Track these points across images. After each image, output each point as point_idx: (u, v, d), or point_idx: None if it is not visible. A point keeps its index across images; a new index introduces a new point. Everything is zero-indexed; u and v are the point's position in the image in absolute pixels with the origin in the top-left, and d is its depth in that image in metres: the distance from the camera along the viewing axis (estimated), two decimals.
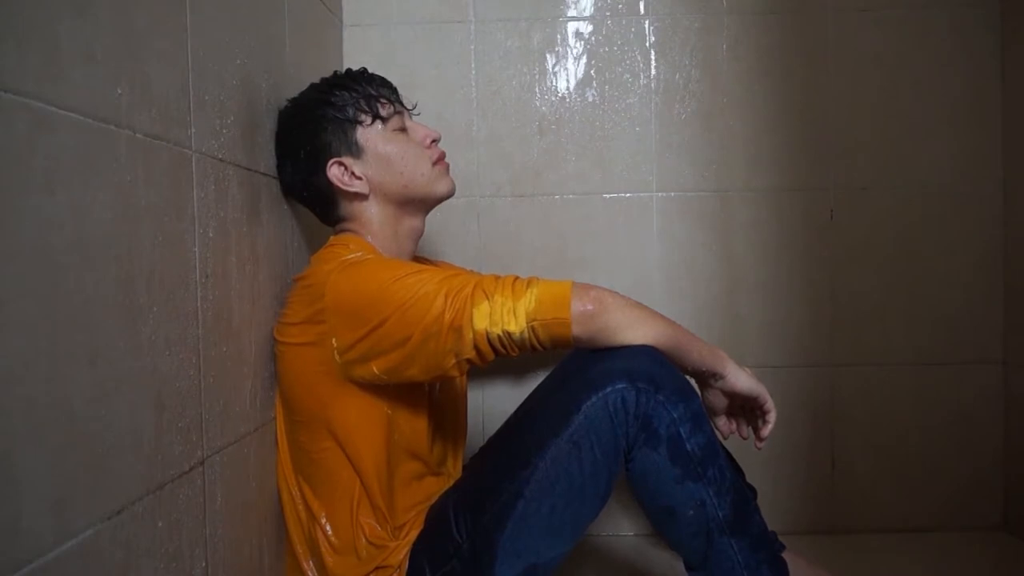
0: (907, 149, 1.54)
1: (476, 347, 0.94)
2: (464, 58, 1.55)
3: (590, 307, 0.95)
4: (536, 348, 0.96)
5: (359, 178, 1.10)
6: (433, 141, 1.15)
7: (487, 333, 0.93)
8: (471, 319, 0.93)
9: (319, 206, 1.14)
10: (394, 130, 1.13)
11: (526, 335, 0.94)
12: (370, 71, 1.17)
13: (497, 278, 0.97)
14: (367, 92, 1.12)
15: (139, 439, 0.74)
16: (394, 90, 1.17)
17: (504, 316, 0.93)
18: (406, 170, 1.11)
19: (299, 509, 1.08)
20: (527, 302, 0.94)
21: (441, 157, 1.16)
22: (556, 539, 0.97)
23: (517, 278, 0.97)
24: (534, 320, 0.93)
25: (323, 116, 1.10)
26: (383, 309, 0.95)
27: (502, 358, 0.98)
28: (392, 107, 1.14)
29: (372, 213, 1.12)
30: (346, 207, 1.13)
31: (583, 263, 1.54)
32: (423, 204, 1.16)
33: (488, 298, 0.94)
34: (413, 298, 0.94)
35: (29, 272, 0.59)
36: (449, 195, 1.16)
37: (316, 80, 1.16)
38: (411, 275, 0.97)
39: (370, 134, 1.11)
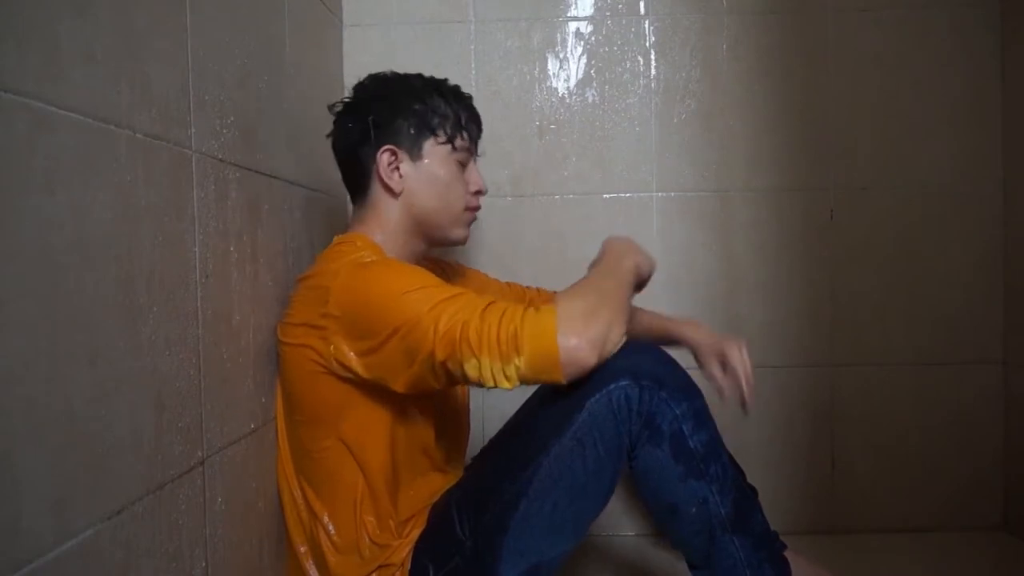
0: (907, 149, 1.54)
1: (467, 383, 0.95)
2: (464, 58, 1.55)
3: (580, 361, 0.90)
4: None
5: (401, 176, 1.11)
6: (478, 192, 1.16)
7: (480, 382, 0.92)
8: (462, 367, 0.91)
9: (353, 176, 1.15)
10: (456, 161, 1.14)
11: (519, 386, 0.94)
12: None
13: (483, 319, 0.91)
14: (459, 117, 1.13)
15: (139, 439, 0.74)
16: (480, 132, 1.19)
17: (495, 376, 0.91)
18: (442, 198, 1.12)
19: (300, 509, 1.08)
20: (515, 367, 0.90)
21: (475, 208, 1.17)
22: (559, 537, 0.97)
23: (501, 323, 0.90)
24: (526, 378, 0.92)
25: (411, 105, 1.11)
26: (382, 330, 0.94)
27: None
28: (468, 144, 1.15)
29: (392, 213, 1.12)
30: (375, 193, 1.12)
31: (583, 263, 1.53)
32: (433, 237, 1.15)
33: (476, 355, 0.90)
34: (409, 324, 0.92)
35: (29, 272, 0.59)
36: (458, 243, 1.18)
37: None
38: (408, 293, 0.94)
39: (436, 150, 1.12)
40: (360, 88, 1.16)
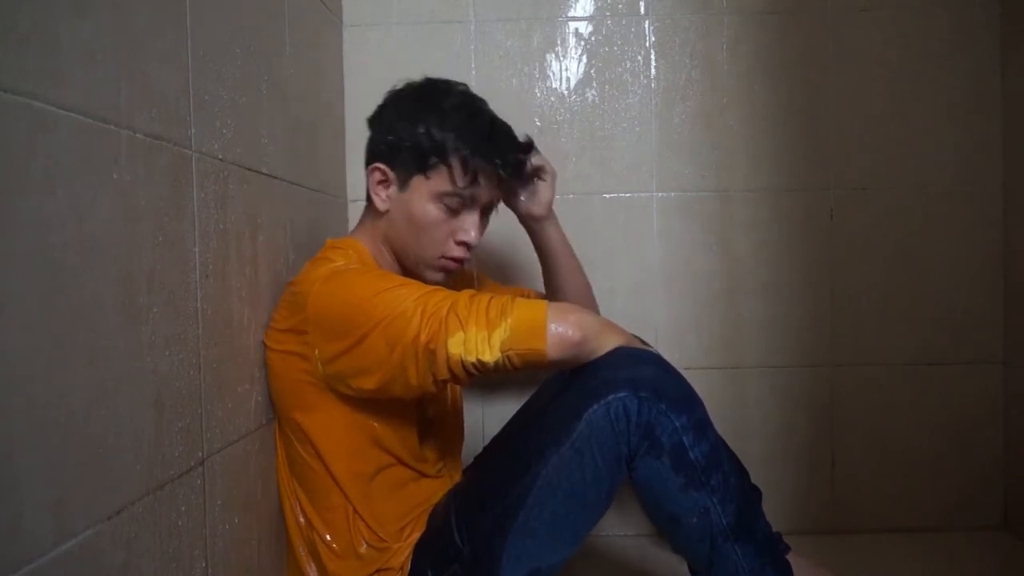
0: (907, 149, 1.54)
1: (451, 370, 0.92)
2: (464, 58, 1.55)
3: (566, 335, 0.92)
4: (512, 371, 0.95)
5: (388, 197, 1.08)
6: (463, 243, 1.08)
7: (461, 360, 0.91)
8: (445, 344, 0.91)
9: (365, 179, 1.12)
10: (444, 204, 1.05)
11: (501, 362, 0.92)
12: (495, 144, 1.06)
13: (472, 298, 0.94)
14: (466, 166, 1.03)
15: (139, 439, 0.74)
16: (506, 168, 1.07)
17: (478, 346, 0.91)
18: (415, 239, 1.08)
19: (297, 513, 1.07)
20: (502, 332, 0.91)
21: (456, 260, 1.09)
22: (558, 544, 0.97)
23: (492, 300, 0.94)
24: (509, 350, 0.91)
25: (415, 131, 1.05)
26: (363, 324, 0.93)
27: (478, 380, 0.97)
28: (464, 190, 1.05)
29: (380, 225, 1.11)
30: (370, 204, 1.12)
31: (583, 263, 1.53)
32: (406, 268, 1.13)
33: (462, 327, 0.91)
34: (391, 316, 0.92)
35: (29, 272, 0.59)
36: (433, 284, 1.10)
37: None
38: (390, 290, 0.95)
39: (421, 188, 1.06)
40: (402, 88, 1.12)
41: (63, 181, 0.63)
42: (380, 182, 1.09)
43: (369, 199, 1.13)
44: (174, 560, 0.81)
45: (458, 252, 1.09)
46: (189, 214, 0.86)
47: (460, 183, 1.05)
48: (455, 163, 1.04)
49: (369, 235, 1.13)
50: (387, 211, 1.09)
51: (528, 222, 1.25)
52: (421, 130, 1.05)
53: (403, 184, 1.07)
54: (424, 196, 1.06)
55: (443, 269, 1.11)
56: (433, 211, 1.06)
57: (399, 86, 1.13)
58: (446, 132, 1.04)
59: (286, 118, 1.19)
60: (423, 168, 1.05)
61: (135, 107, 0.74)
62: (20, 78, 0.59)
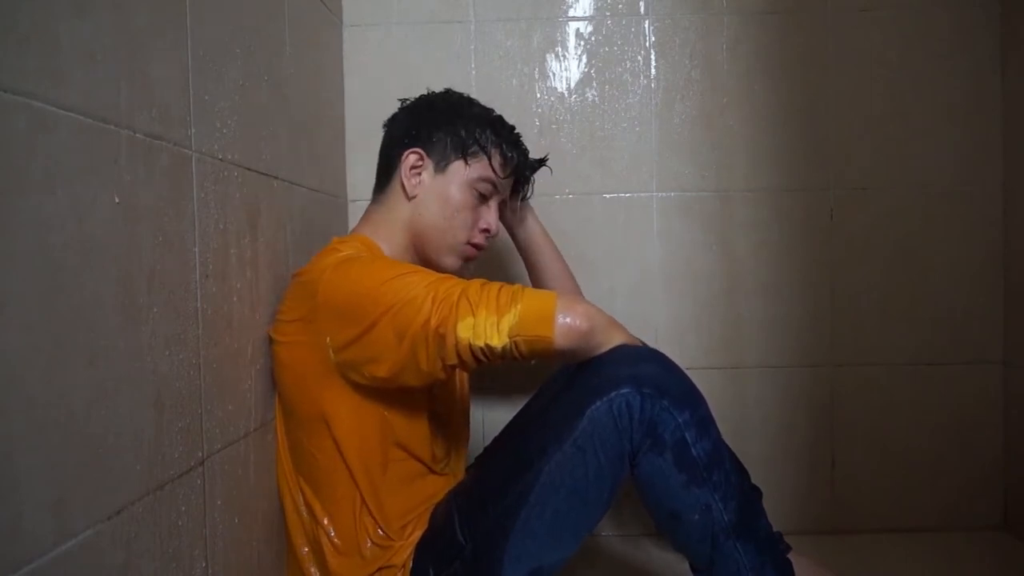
0: (907, 149, 1.54)
1: (459, 355, 0.93)
2: (464, 58, 1.55)
3: (574, 324, 0.94)
4: (518, 359, 0.95)
5: (419, 182, 1.14)
6: (485, 231, 1.16)
7: (470, 344, 0.92)
8: (455, 328, 0.92)
9: (381, 169, 1.19)
10: (476, 190, 1.14)
11: (508, 348, 0.93)
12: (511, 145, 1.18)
13: (483, 286, 0.95)
14: (501, 155, 1.15)
15: (139, 439, 0.74)
16: (522, 182, 1.25)
17: (487, 330, 0.92)
18: (447, 220, 1.13)
19: (301, 510, 1.07)
20: (511, 318, 0.92)
21: (476, 248, 1.17)
22: (559, 543, 0.97)
23: (502, 288, 0.96)
24: (517, 336, 0.92)
25: (457, 124, 1.14)
26: (372, 312, 0.94)
27: (485, 367, 0.98)
28: (495, 179, 1.15)
29: (401, 216, 1.14)
30: (392, 192, 1.15)
31: (583, 263, 1.54)
32: (425, 256, 1.16)
33: (473, 312, 0.92)
34: (401, 302, 0.93)
35: (29, 272, 0.59)
36: (448, 271, 1.14)
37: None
38: (400, 277, 0.96)
39: (460, 173, 1.13)
40: (426, 94, 1.21)
41: (63, 181, 0.63)
42: (414, 167, 1.14)
43: (381, 190, 1.17)
44: (174, 560, 0.81)
45: (480, 239, 1.17)
46: (189, 214, 0.86)
47: (499, 172, 1.15)
48: (495, 153, 1.15)
49: (377, 227, 1.14)
50: (415, 197, 1.14)
51: (513, 220, 1.34)
52: (461, 123, 1.14)
53: (441, 168, 1.14)
54: (461, 180, 1.13)
55: (465, 255, 1.16)
56: (467, 195, 1.13)
57: (419, 96, 1.22)
58: (483, 128, 1.15)
59: (286, 118, 1.19)
60: (464, 154, 1.13)
61: (135, 107, 0.74)
62: (20, 78, 0.59)
